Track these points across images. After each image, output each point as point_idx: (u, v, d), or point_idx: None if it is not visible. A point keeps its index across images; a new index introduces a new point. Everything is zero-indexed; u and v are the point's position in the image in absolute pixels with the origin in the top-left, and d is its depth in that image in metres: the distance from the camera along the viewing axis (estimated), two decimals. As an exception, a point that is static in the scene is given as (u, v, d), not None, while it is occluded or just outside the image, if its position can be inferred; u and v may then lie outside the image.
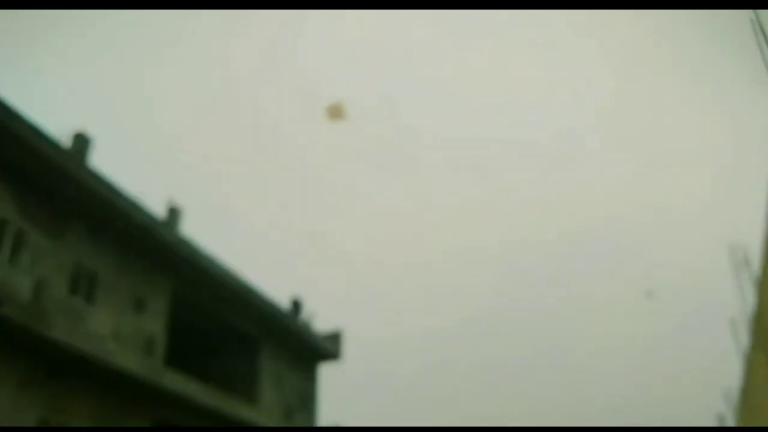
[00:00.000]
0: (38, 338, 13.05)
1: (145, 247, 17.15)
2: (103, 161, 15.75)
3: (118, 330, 15.83)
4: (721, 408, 28.11)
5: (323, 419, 24.32)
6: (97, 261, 15.84)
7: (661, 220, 61.40)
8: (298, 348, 23.81)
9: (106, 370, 14.61)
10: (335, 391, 26.79)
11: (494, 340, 55.79)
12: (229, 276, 19.65)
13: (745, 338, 19.55)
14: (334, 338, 25.24)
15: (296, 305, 23.41)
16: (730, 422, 27.92)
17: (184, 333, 19.51)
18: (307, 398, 23.91)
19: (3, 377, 12.77)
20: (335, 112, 17.05)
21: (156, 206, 17.29)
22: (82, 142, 15.29)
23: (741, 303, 18.54)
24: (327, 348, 24.60)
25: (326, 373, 25.52)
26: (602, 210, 60.51)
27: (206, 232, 19.16)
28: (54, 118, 15.25)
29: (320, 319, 24.84)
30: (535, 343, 56.09)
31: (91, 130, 15.81)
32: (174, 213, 18.01)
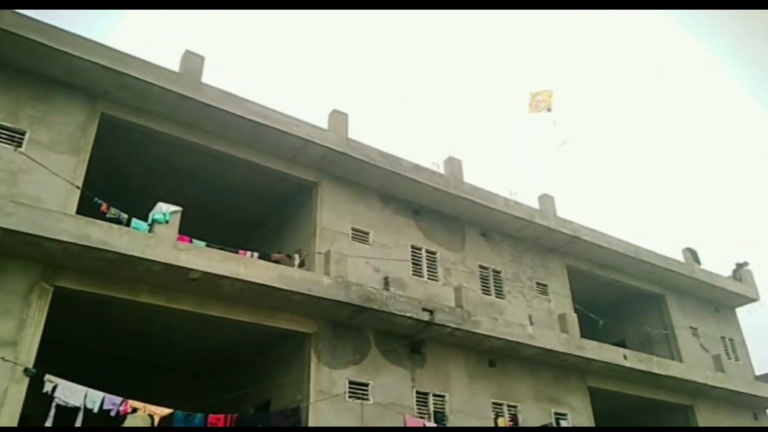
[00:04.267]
0: (471, 335, 14.15)
1: (532, 237, 17.55)
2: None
3: (531, 315, 16.38)
4: None
5: (758, 365, 21.45)
6: (496, 260, 16.73)
7: None
8: (708, 297, 21.54)
9: (533, 352, 15.12)
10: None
11: None
12: (615, 242, 18.87)
13: None
14: (744, 278, 22.21)
15: (693, 254, 21.26)
16: None
17: (590, 305, 19.26)
18: (733, 346, 21.41)
19: (455, 372, 14.15)
20: (539, 104, 15.55)
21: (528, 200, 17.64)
22: (454, 165, 16.37)
23: None
24: (739, 292, 21.75)
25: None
26: None
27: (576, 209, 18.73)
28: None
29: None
30: None
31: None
32: (546, 200, 18.04)
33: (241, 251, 12.54)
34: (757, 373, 21.15)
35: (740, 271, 22.16)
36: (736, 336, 21.82)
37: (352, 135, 14.64)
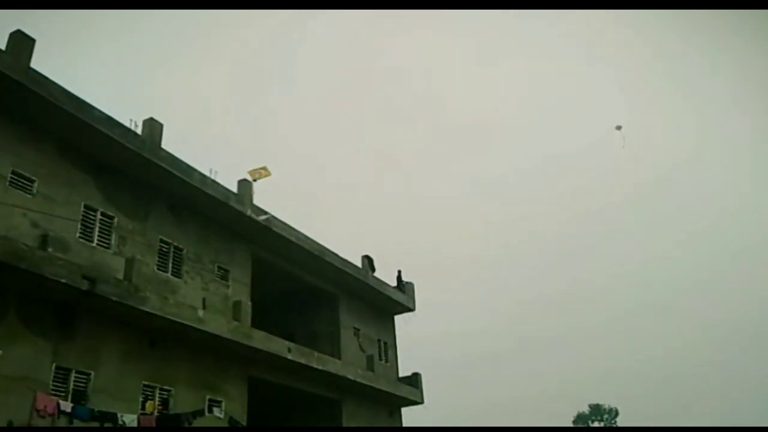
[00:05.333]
0: (134, 311, 13.06)
1: (223, 220, 17.05)
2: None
3: (206, 298, 15.84)
4: None
5: (402, 368, 24.11)
6: (181, 237, 15.81)
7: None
8: (374, 302, 23.53)
9: (199, 336, 14.60)
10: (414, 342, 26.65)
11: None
12: (304, 239, 19.42)
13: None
14: (407, 291, 24.84)
15: (369, 262, 23.04)
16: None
17: (268, 296, 19.47)
18: (386, 349, 23.71)
19: (108, 349, 12.90)
20: (258, 174, 17.86)
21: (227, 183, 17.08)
22: (153, 127, 15.07)
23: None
24: (401, 301, 24.24)
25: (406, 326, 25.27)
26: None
27: (276, 203, 18.87)
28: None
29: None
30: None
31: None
32: (245, 185, 17.76)
33: None
34: (401, 375, 23.72)
35: (403, 283, 24.71)
36: (390, 340, 24.21)
37: (44, 69, 12.48)
